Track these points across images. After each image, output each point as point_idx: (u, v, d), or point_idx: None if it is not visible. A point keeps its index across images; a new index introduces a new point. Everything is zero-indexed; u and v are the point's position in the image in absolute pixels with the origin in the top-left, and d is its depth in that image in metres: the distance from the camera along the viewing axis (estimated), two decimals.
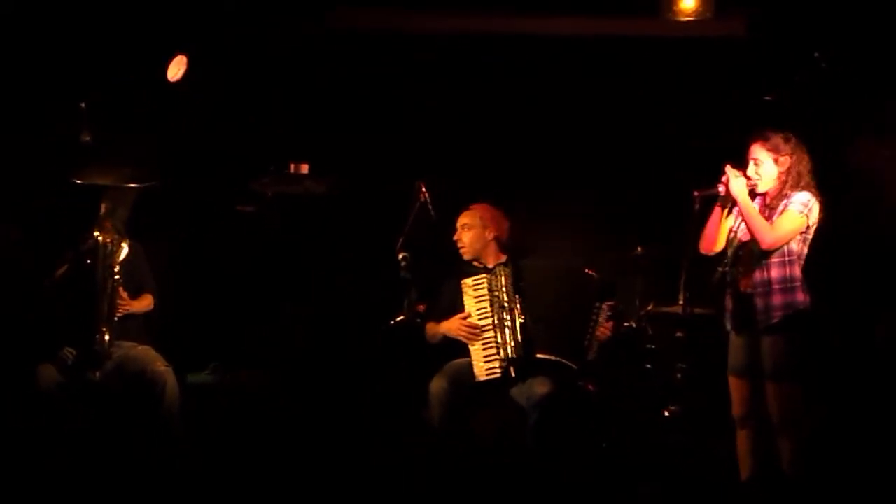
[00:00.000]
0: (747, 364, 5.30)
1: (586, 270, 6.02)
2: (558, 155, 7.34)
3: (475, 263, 6.15)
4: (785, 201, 5.23)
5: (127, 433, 5.86)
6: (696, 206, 5.37)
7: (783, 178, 5.27)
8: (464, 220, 6.19)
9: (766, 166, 5.30)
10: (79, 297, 5.77)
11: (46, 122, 6.41)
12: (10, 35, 6.31)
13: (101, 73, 6.46)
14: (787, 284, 5.20)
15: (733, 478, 5.46)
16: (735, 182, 5.24)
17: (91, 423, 5.81)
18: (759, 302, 5.24)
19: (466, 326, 5.93)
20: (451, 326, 5.99)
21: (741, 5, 6.79)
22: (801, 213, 5.19)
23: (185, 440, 5.94)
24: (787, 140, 5.29)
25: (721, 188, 5.32)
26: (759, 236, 5.19)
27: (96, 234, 5.79)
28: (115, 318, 5.85)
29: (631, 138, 7.24)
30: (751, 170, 5.32)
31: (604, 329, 5.97)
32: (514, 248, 6.20)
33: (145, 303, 6.10)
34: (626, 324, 6.54)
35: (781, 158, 5.27)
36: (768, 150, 5.29)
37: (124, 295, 5.90)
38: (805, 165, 5.28)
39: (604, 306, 5.94)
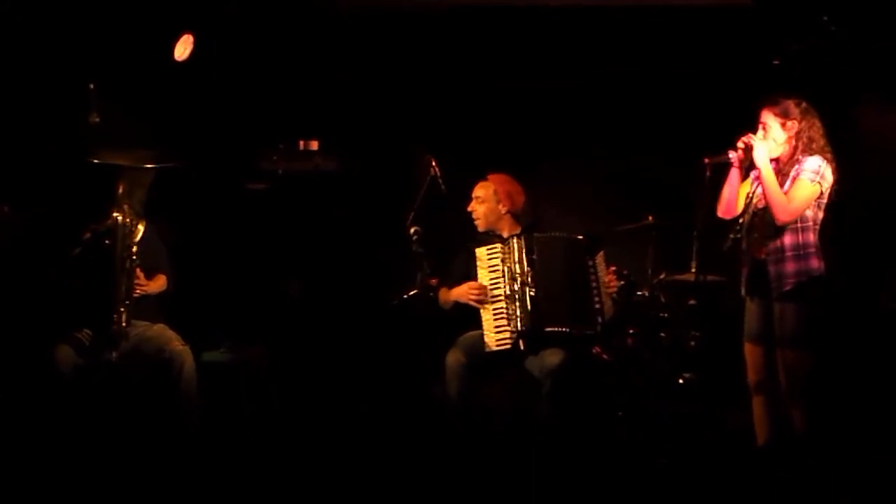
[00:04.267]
0: (762, 330, 5.33)
1: (575, 236, 6.01)
2: (568, 125, 7.34)
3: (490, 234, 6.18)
4: (797, 167, 5.24)
5: (144, 413, 5.86)
6: (707, 174, 5.37)
7: (792, 142, 5.29)
8: (478, 192, 6.20)
9: (773, 131, 5.32)
10: (97, 278, 5.77)
11: (55, 104, 6.42)
12: (19, 17, 6.31)
13: (109, 53, 6.46)
14: (799, 251, 5.22)
15: (748, 444, 5.49)
16: (759, 150, 5.25)
17: (108, 404, 5.81)
18: (771, 269, 5.26)
19: (475, 290, 5.93)
20: (460, 292, 6.01)
21: None
22: (813, 181, 5.20)
23: (202, 419, 5.95)
24: (797, 105, 5.31)
25: (732, 154, 5.33)
26: (775, 211, 5.20)
27: (115, 214, 5.80)
28: (133, 299, 5.86)
29: (640, 106, 7.23)
30: (759, 135, 5.34)
31: (608, 281, 5.97)
32: (529, 220, 6.22)
33: (160, 283, 6.09)
34: (638, 292, 6.56)
35: (789, 123, 5.29)
36: (776, 115, 5.31)
37: (141, 275, 5.91)
38: (816, 130, 5.30)
39: (596, 260, 5.92)
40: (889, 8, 6.35)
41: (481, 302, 5.92)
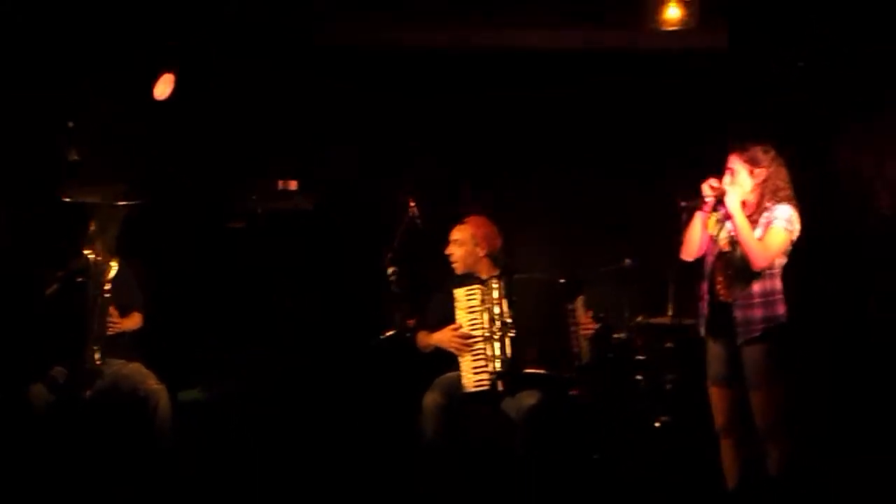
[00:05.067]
0: (728, 374, 5.33)
1: (555, 279, 6.01)
2: (545, 168, 7.37)
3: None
4: (767, 215, 5.25)
5: (119, 451, 5.84)
6: (683, 217, 5.40)
7: (759, 190, 5.29)
8: (456, 235, 6.20)
9: (740, 177, 5.32)
10: (69, 316, 5.77)
11: (34, 141, 6.43)
12: None
13: (89, 91, 6.48)
14: (768, 298, 5.23)
15: (723, 487, 5.48)
16: (731, 196, 5.25)
17: (83, 442, 5.78)
18: (739, 314, 5.25)
19: (458, 338, 5.94)
20: (442, 338, 6.01)
21: (724, 15, 6.84)
22: (787, 229, 5.20)
23: (177, 458, 5.93)
24: (765, 152, 5.31)
25: (707, 203, 5.33)
26: (753, 258, 5.19)
27: (87, 252, 5.79)
28: (106, 337, 5.84)
29: (617, 150, 7.26)
30: (726, 181, 5.34)
31: (585, 324, 5.96)
32: (507, 263, 6.23)
33: (135, 321, 6.10)
34: (615, 335, 6.56)
35: (757, 171, 5.28)
36: (744, 161, 5.31)
37: (115, 313, 5.91)
38: (783, 178, 5.30)
39: (576, 304, 5.93)
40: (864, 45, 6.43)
41: (462, 350, 5.92)
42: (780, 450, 5.25)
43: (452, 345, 5.96)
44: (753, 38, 6.70)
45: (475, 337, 5.92)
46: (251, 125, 7.11)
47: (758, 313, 5.22)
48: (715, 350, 5.39)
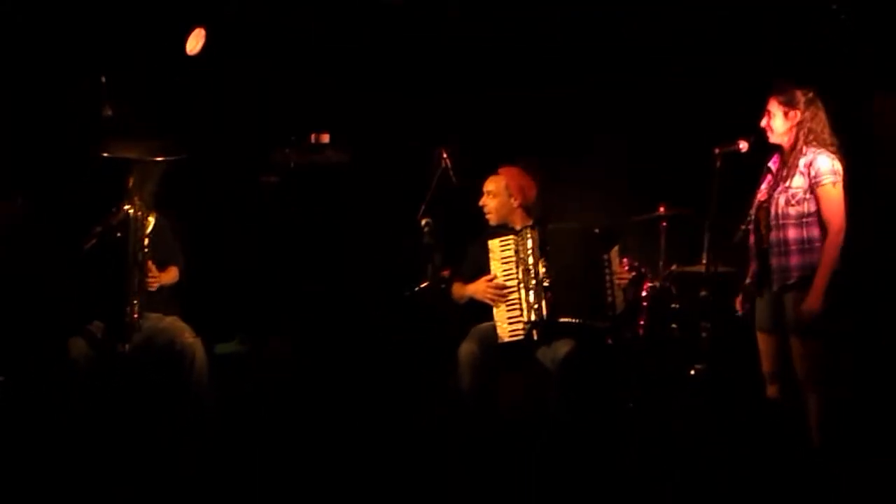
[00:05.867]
0: (772, 320, 5.34)
1: (590, 228, 6.01)
2: (579, 116, 7.32)
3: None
4: (804, 161, 5.23)
5: (156, 405, 5.89)
6: (718, 164, 5.40)
7: (795, 132, 5.28)
8: (489, 186, 6.22)
9: (776, 119, 5.32)
10: (109, 271, 5.81)
11: (68, 98, 6.45)
12: (31, 10, 6.35)
13: (121, 46, 6.49)
14: (804, 245, 5.21)
15: (758, 436, 5.49)
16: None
17: (121, 396, 5.84)
18: (775, 262, 5.27)
19: (493, 288, 5.96)
20: (477, 288, 6.04)
21: None
22: (835, 182, 5.18)
23: (215, 411, 5.98)
24: (803, 94, 5.30)
25: (742, 144, 5.35)
26: (837, 243, 5.16)
27: (126, 207, 5.83)
28: (144, 291, 5.88)
29: (650, 97, 7.22)
30: (764, 122, 5.35)
31: (620, 274, 5.98)
32: (541, 213, 6.23)
33: (172, 275, 6.13)
34: (650, 284, 6.56)
35: (791, 113, 5.28)
36: (780, 102, 5.31)
37: (153, 267, 5.94)
38: (819, 123, 5.28)
39: (611, 255, 5.94)
40: None
41: (497, 301, 5.95)
42: (818, 402, 5.25)
43: (487, 295, 5.99)
44: None
45: (510, 287, 5.96)
46: (284, 79, 7.11)
47: (793, 261, 5.22)
48: (761, 298, 5.40)
